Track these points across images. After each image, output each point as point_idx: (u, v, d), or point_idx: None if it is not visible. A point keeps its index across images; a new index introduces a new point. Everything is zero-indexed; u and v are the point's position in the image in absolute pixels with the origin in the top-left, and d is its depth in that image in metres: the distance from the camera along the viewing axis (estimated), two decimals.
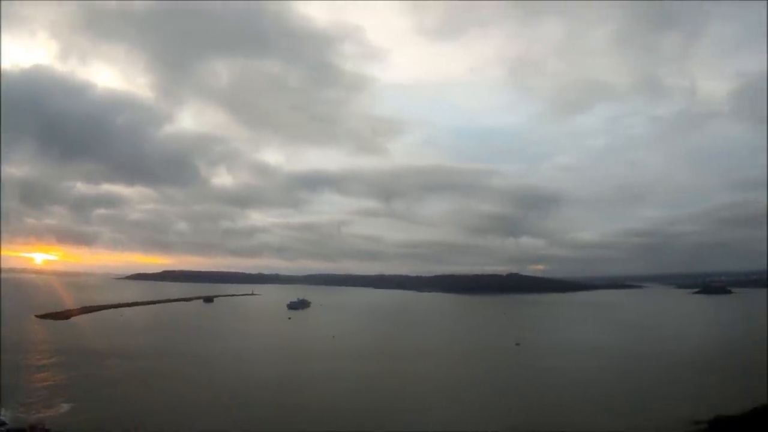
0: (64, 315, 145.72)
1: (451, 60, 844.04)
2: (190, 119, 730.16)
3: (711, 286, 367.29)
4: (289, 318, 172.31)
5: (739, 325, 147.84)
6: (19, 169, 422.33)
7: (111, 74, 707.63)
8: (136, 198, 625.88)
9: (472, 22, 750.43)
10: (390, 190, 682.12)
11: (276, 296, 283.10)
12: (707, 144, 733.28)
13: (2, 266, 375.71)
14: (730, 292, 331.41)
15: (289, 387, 65.68)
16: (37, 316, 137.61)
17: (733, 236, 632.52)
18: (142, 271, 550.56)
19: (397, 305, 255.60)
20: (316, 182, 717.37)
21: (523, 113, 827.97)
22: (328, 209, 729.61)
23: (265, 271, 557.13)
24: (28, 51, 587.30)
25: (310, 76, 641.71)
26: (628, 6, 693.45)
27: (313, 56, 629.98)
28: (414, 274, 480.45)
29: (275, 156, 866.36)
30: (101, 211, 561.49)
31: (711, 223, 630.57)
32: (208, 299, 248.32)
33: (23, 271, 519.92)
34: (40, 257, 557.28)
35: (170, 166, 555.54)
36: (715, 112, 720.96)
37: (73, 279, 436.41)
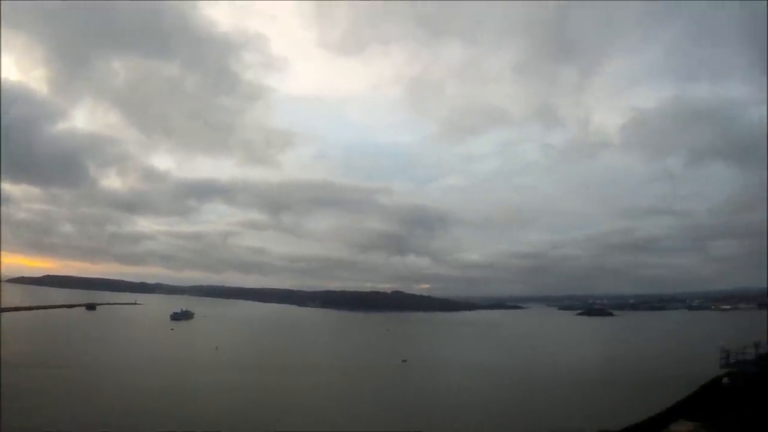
0: None
1: (349, 75, 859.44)
2: (84, 117, 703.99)
3: (593, 308, 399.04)
4: (173, 329, 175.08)
5: (620, 344, 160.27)
6: None
7: (6, 64, 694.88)
8: (22, 197, 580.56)
9: (375, 39, 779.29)
10: (278, 203, 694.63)
11: (160, 306, 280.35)
12: (596, 173, 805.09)
13: None
14: (611, 314, 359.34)
15: (175, 398, 66.22)
16: None
17: (616, 261, 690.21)
18: (23, 275, 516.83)
19: (281, 319, 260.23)
20: (205, 191, 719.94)
21: (416, 133, 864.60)
22: (215, 219, 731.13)
23: (149, 280, 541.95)
24: None
25: (208, 82, 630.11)
26: (530, 36, 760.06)
27: (213, 62, 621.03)
28: (298, 289, 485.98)
29: (166, 161, 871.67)
30: None
31: (595, 248, 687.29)
32: (91, 307, 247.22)
33: None
34: None
35: (60, 165, 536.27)
36: (607, 143, 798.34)
37: None
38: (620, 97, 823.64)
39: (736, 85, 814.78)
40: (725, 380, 40.89)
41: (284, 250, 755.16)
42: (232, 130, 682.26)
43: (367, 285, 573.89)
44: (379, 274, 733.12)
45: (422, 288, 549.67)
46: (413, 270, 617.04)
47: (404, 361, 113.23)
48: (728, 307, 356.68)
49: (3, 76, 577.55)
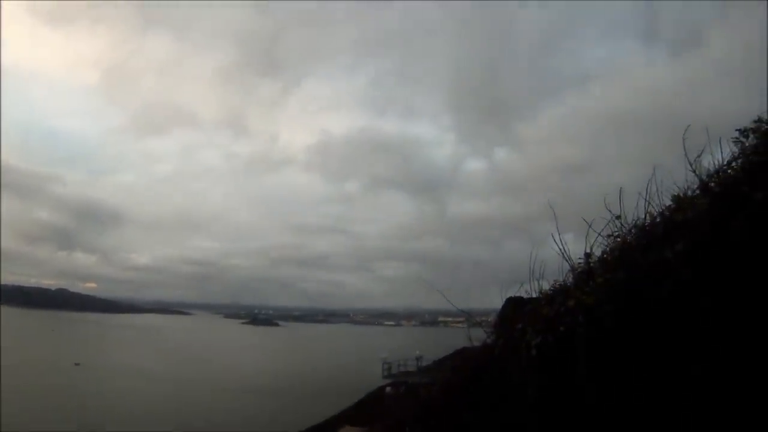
0: None
1: (51, 49, 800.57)
2: None
3: (259, 317, 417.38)
4: None
5: (287, 354, 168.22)
6: None
7: None
8: None
9: (85, 15, 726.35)
10: None
11: None
12: (276, 187, 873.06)
13: None
14: (277, 324, 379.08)
15: None
16: None
17: (283, 274, 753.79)
18: None
19: None
20: None
21: (102, 123, 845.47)
22: None
23: None
24: None
25: None
26: (239, 44, 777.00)
27: None
28: None
29: None
30: None
31: (264, 260, 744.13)
32: None
33: None
34: None
35: None
36: (291, 160, 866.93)
37: None
38: (313, 119, 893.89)
39: (424, 125, 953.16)
40: (388, 389, 48.26)
41: None
42: None
43: (31, 280, 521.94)
44: (44, 269, 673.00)
45: (88, 287, 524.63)
46: (80, 267, 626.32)
47: (77, 364, 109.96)
48: (392, 323, 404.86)
49: None
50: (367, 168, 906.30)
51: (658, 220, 4.44)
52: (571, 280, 4.83)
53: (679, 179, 4.60)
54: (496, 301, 6.84)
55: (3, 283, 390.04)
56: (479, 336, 6.62)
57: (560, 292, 4.76)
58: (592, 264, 4.70)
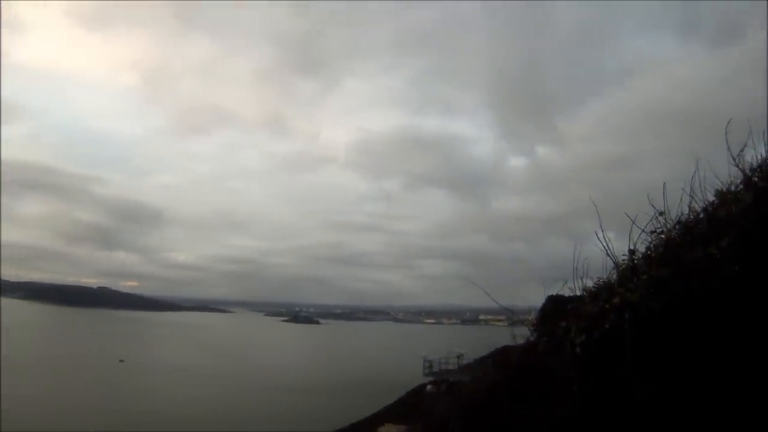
0: None
1: (90, 52, 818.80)
2: None
3: (300, 315, 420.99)
4: None
5: (330, 352, 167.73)
6: None
7: None
8: None
9: (123, 18, 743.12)
10: None
11: None
12: (316, 186, 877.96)
13: None
14: (318, 322, 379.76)
15: None
16: None
17: (323, 272, 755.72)
18: None
19: None
20: None
21: (142, 125, 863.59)
22: None
23: None
24: None
25: None
26: (277, 45, 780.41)
27: None
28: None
29: None
30: None
31: (304, 258, 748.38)
32: None
33: None
34: None
35: None
36: (331, 159, 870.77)
37: None
38: (352, 117, 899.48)
39: (464, 122, 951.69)
40: (429, 387, 48.14)
41: None
42: None
43: (71, 278, 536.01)
44: (85, 268, 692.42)
45: (129, 285, 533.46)
46: (121, 266, 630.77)
47: (122, 361, 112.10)
48: (432, 321, 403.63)
49: None
50: (407, 165, 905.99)
51: (701, 215, 4.39)
52: (615, 277, 4.80)
53: (721, 174, 4.53)
54: (537, 299, 6.81)
55: (39, 281, 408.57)
56: (522, 334, 6.62)
57: (604, 289, 4.74)
58: (636, 261, 4.67)
